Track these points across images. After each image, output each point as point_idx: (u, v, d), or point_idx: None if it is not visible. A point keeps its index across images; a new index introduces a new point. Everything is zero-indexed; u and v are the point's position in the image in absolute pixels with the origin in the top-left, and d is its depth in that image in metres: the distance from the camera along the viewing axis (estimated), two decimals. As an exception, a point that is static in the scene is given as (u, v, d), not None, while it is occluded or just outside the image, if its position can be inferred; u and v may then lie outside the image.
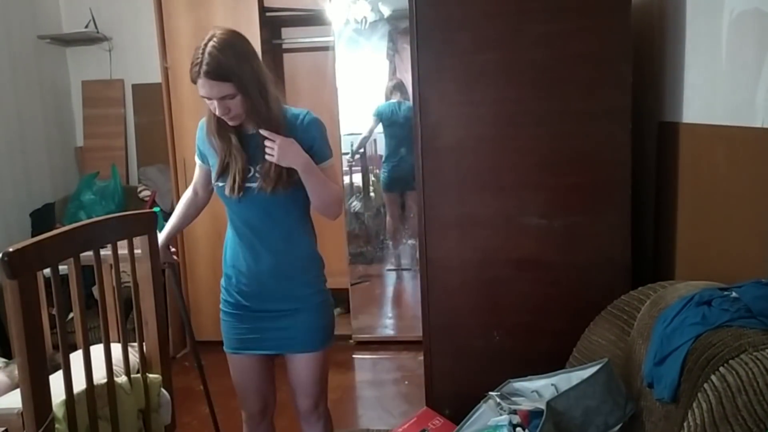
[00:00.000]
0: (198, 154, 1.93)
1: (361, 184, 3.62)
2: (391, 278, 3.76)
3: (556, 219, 2.01)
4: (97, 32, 3.90)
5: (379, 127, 3.62)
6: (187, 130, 3.46)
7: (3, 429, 1.67)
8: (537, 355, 1.84)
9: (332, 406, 2.89)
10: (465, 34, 1.99)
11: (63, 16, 4.01)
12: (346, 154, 3.57)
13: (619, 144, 1.96)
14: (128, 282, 1.95)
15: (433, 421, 1.82)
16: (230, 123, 1.76)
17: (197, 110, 3.46)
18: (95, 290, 1.78)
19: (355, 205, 3.61)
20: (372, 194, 3.62)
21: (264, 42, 3.52)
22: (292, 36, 3.88)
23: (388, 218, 3.69)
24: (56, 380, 1.56)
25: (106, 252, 1.79)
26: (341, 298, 3.82)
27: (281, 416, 2.89)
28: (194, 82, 1.69)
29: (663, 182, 2.11)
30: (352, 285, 3.65)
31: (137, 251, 1.91)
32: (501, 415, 1.50)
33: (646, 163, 2.20)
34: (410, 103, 3.09)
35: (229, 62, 1.65)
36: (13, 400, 1.69)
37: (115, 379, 1.79)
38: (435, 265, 2.10)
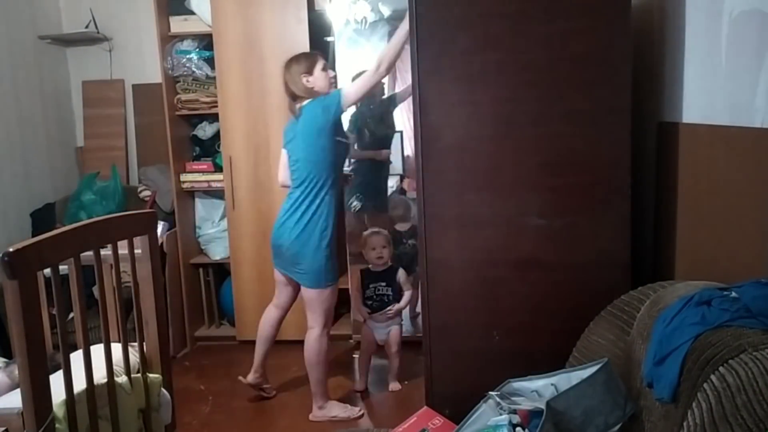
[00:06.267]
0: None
1: (361, 184, 3.61)
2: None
3: (556, 219, 2.01)
4: (98, 32, 3.90)
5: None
6: (234, 126, 3.48)
7: (3, 429, 1.67)
8: (537, 355, 1.84)
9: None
10: (465, 34, 2.00)
11: (63, 17, 4.01)
12: (347, 154, 3.56)
13: (618, 144, 1.96)
14: (128, 282, 1.95)
15: (433, 420, 1.82)
16: None
17: (242, 103, 3.47)
18: (95, 290, 1.78)
19: (356, 205, 3.61)
20: (372, 194, 3.61)
21: (315, 40, 3.50)
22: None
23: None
24: (56, 380, 1.56)
25: (106, 252, 1.79)
26: (342, 298, 3.82)
27: (281, 416, 2.90)
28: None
29: (662, 182, 2.11)
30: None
31: (137, 251, 1.92)
32: (501, 414, 1.50)
33: (645, 163, 2.20)
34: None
35: None
36: (14, 400, 1.69)
37: (116, 378, 1.79)
38: (435, 265, 2.10)
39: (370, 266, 3.05)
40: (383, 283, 3.02)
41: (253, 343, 3.61)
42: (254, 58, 3.47)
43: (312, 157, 2.62)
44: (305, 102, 2.66)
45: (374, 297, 3.02)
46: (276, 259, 2.81)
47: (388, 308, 3.01)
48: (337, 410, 2.84)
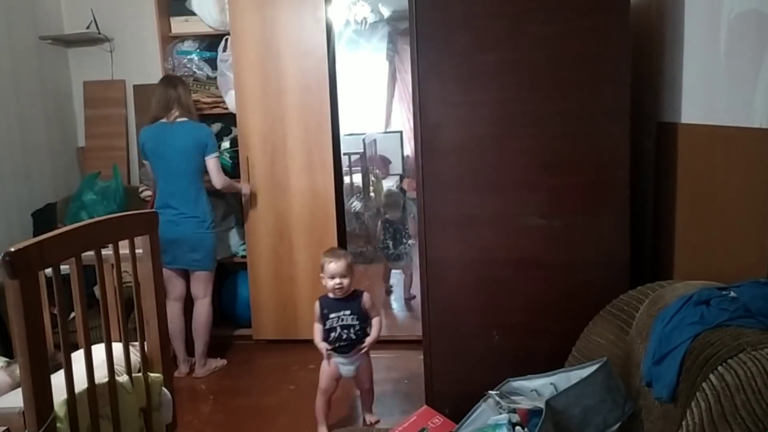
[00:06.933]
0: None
1: (361, 184, 3.62)
2: (391, 278, 3.77)
3: (555, 219, 2.01)
4: (99, 33, 3.91)
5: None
6: (252, 126, 3.51)
7: (5, 428, 1.67)
8: (536, 355, 1.85)
9: (332, 404, 2.91)
10: (465, 34, 2.00)
11: (64, 17, 4.02)
12: (347, 154, 3.57)
13: (618, 144, 1.96)
14: (130, 282, 1.95)
15: (433, 419, 1.82)
16: None
17: (260, 103, 3.49)
18: (97, 290, 1.78)
19: (355, 205, 3.62)
20: (372, 194, 3.62)
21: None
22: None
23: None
24: (58, 379, 1.57)
25: (107, 252, 1.80)
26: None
27: (281, 416, 2.90)
28: None
29: (662, 182, 2.11)
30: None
31: (138, 251, 1.92)
32: (500, 414, 1.50)
33: (644, 163, 2.21)
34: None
35: None
36: (15, 400, 1.69)
37: (117, 378, 1.79)
38: (435, 265, 2.11)
39: (329, 293, 2.57)
40: (348, 312, 2.54)
41: (272, 342, 3.63)
42: (271, 57, 3.46)
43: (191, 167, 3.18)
44: (183, 119, 3.15)
45: (338, 329, 2.53)
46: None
47: (361, 345, 2.56)
48: (214, 363, 3.38)
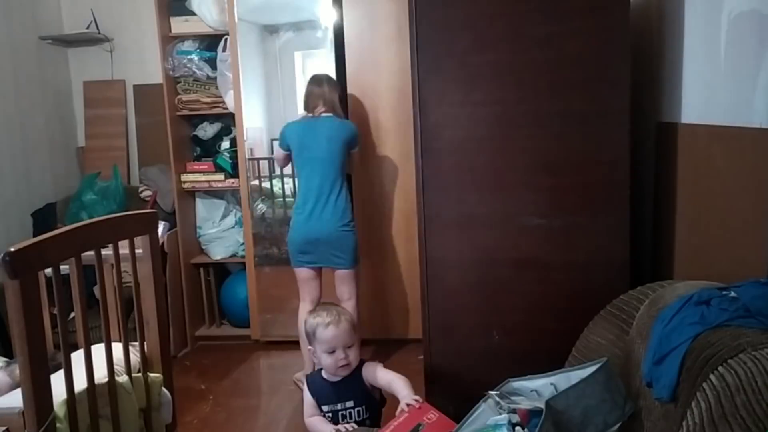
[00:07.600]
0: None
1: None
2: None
3: (555, 219, 2.01)
4: (99, 33, 3.91)
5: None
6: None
7: (4, 428, 1.67)
8: (536, 355, 1.84)
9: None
10: (465, 35, 2.00)
11: (64, 17, 4.02)
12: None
13: (617, 144, 1.96)
14: (129, 282, 1.95)
15: (428, 415, 1.78)
16: None
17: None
18: (96, 290, 1.78)
19: (260, 207, 3.63)
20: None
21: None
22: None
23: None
24: (57, 379, 1.57)
25: (107, 252, 1.80)
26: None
27: (282, 415, 2.91)
28: None
29: (661, 182, 2.11)
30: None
31: (138, 251, 1.92)
32: (500, 414, 1.50)
33: (644, 163, 2.21)
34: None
35: None
36: (15, 400, 1.69)
37: (116, 378, 1.79)
38: (435, 265, 2.11)
39: (322, 373, 1.88)
40: (350, 403, 1.83)
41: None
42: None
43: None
44: (328, 114, 2.98)
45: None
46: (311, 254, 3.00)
47: None
48: None
